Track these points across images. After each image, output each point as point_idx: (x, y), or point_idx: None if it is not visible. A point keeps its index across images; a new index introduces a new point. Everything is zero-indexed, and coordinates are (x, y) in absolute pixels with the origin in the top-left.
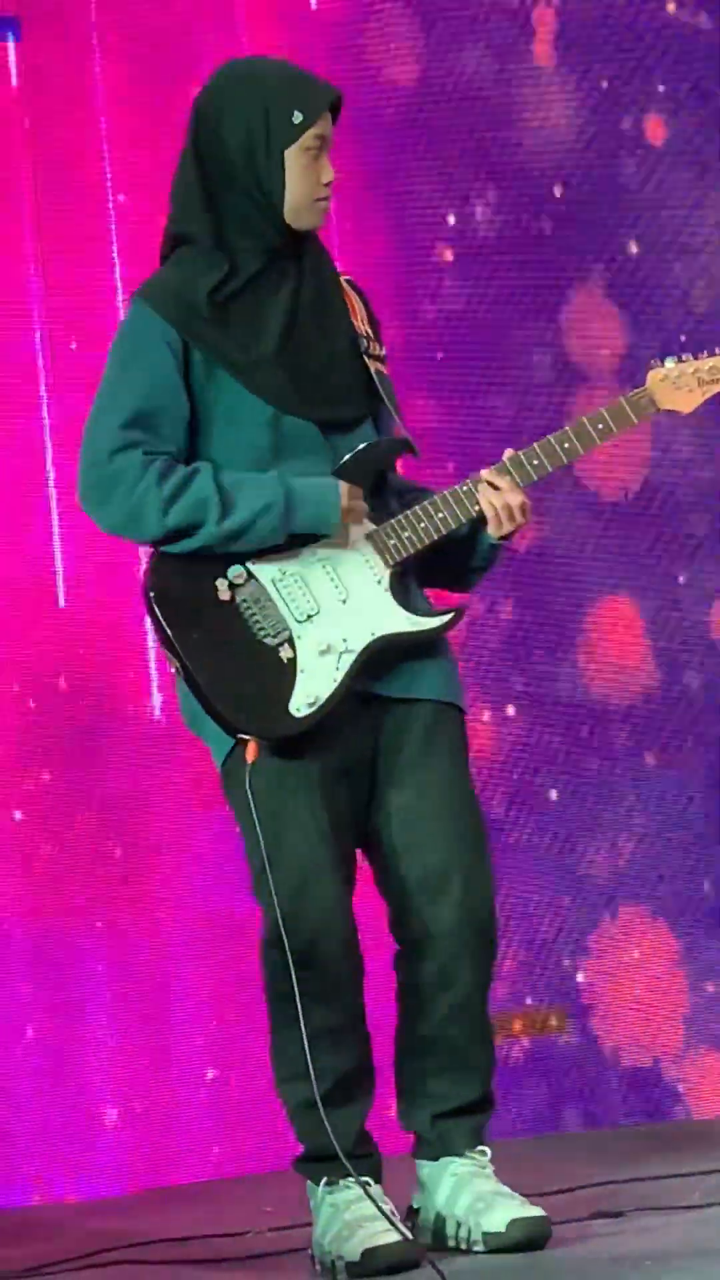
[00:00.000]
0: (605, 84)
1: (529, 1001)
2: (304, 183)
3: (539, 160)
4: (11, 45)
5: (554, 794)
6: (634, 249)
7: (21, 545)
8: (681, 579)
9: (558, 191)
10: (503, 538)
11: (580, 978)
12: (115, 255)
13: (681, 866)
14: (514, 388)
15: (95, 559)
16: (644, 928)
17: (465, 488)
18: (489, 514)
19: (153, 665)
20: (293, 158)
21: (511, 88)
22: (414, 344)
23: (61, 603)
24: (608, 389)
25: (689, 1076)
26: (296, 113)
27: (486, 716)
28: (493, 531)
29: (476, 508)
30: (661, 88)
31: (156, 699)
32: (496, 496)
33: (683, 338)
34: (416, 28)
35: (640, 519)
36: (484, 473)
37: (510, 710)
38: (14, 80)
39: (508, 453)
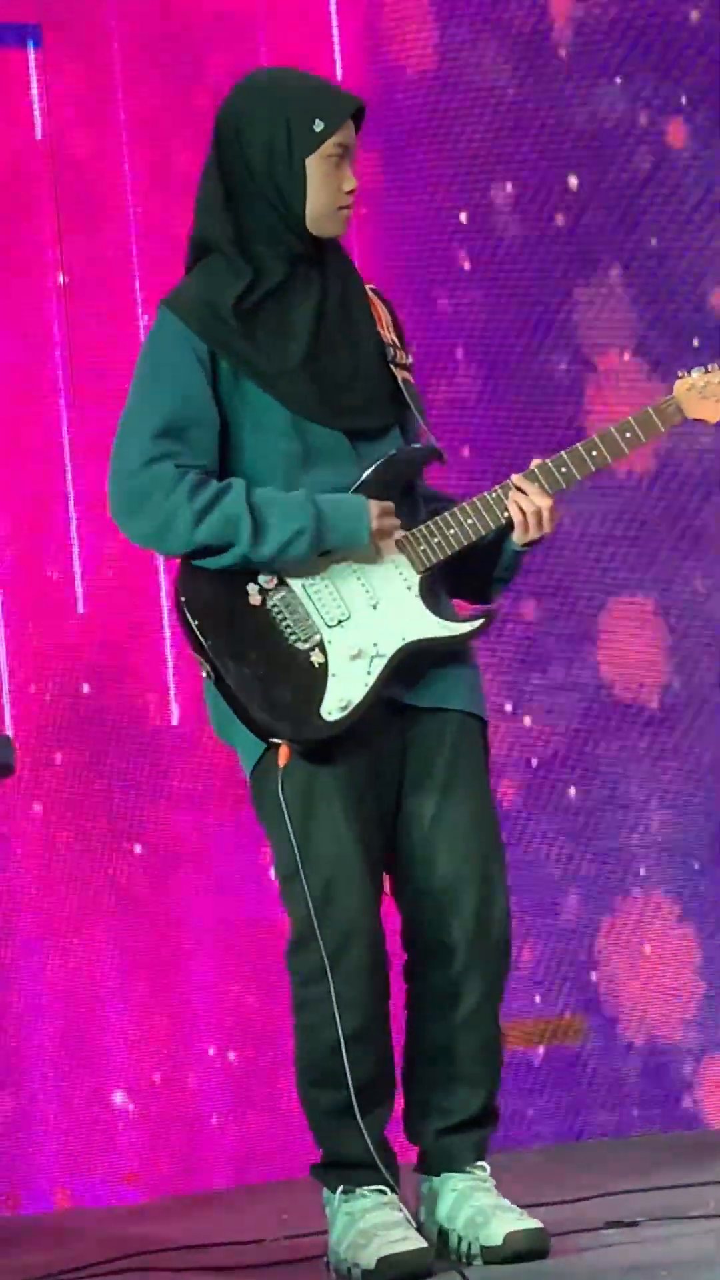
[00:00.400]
0: (620, 80)
1: (538, 1000)
2: (325, 191)
3: (554, 154)
4: (32, 52)
5: (572, 791)
6: (653, 243)
7: (40, 550)
8: (699, 576)
9: (573, 183)
10: (525, 545)
11: (594, 977)
12: (134, 260)
13: (701, 867)
14: (530, 382)
15: (113, 564)
16: (663, 930)
17: (494, 494)
18: (517, 518)
19: (170, 668)
20: (314, 166)
21: (527, 81)
22: (431, 339)
23: (80, 608)
24: (624, 385)
25: (704, 1085)
26: (318, 121)
27: (505, 712)
28: (518, 537)
29: (505, 514)
30: (679, 85)
31: (175, 702)
32: (526, 501)
33: (696, 342)
34: (431, 20)
35: (657, 515)
36: (513, 479)
37: (528, 708)
38: (34, 86)
39: (536, 461)
